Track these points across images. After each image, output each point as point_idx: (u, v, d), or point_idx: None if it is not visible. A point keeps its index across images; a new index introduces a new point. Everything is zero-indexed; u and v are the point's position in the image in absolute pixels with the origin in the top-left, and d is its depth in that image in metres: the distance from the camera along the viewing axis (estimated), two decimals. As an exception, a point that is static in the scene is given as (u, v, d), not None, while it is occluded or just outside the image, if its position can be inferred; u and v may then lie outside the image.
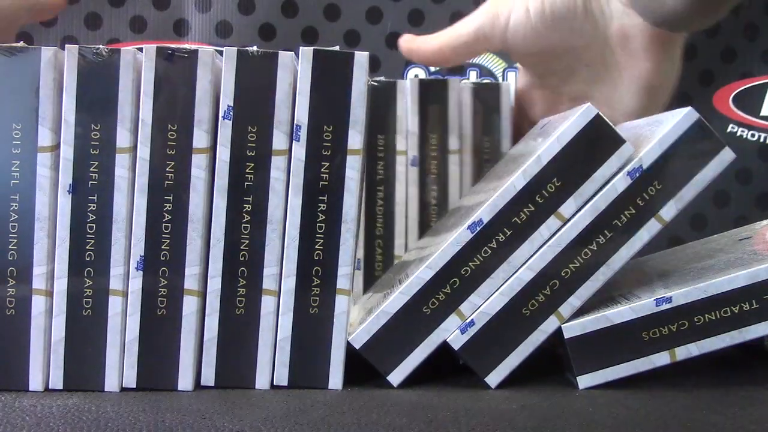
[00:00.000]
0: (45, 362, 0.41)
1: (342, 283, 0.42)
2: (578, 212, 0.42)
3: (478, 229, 0.42)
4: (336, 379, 0.42)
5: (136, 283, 0.41)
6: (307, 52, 0.41)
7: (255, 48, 0.41)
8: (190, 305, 0.41)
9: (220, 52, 0.41)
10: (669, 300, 0.42)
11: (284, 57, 0.41)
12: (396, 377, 0.43)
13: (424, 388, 0.43)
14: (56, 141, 0.40)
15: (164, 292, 0.41)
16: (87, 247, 0.40)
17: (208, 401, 0.39)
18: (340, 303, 0.42)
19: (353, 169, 0.41)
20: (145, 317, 0.41)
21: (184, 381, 0.41)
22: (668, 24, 0.49)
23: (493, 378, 0.43)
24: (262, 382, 0.42)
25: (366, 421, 0.37)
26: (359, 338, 0.42)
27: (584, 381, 0.42)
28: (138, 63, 0.40)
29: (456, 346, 0.42)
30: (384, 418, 0.37)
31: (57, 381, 0.41)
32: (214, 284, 0.41)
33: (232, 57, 0.40)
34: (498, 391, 0.43)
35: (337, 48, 0.41)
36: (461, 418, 0.37)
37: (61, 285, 0.40)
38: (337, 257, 0.42)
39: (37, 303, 0.40)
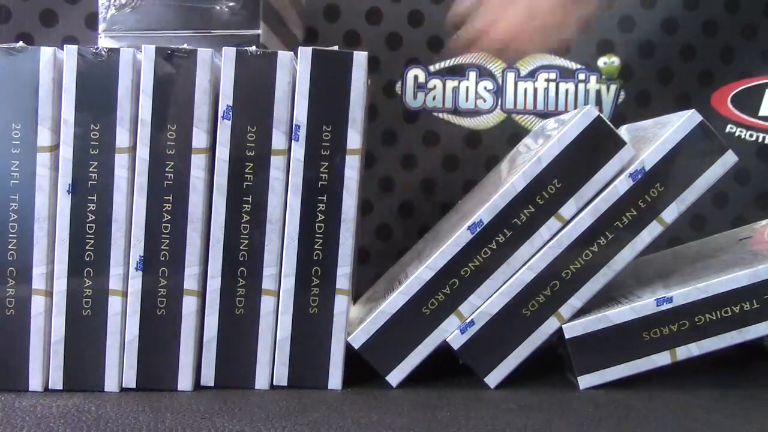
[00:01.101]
0: (45, 362, 0.41)
1: (341, 282, 0.42)
2: (579, 213, 0.42)
3: (478, 229, 0.42)
4: (336, 378, 0.42)
5: (135, 283, 0.41)
6: (306, 51, 0.41)
7: (254, 48, 0.41)
8: (189, 305, 0.41)
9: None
10: (670, 300, 0.42)
11: (283, 57, 0.41)
12: (395, 377, 0.43)
13: (424, 388, 0.43)
14: (56, 141, 0.40)
15: (164, 292, 0.41)
16: (87, 247, 0.40)
17: (208, 401, 0.39)
18: (340, 303, 0.42)
19: (352, 168, 0.41)
20: (145, 317, 0.41)
21: (184, 381, 0.41)
22: None
23: (493, 378, 0.43)
24: (261, 382, 0.42)
25: (366, 421, 0.37)
26: (358, 338, 0.42)
27: (585, 381, 0.42)
28: (137, 63, 0.40)
29: (456, 345, 0.42)
30: (384, 418, 0.37)
31: (57, 381, 0.41)
32: (214, 284, 0.41)
33: (231, 57, 0.40)
34: (498, 391, 0.43)
35: (336, 48, 0.41)
36: (461, 418, 0.37)
37: (60, 285, 0.40)
38: (336, 257, 0.42)
39: (37, 303, 0.40)
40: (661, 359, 0.42)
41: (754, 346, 0.50)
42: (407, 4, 0.66)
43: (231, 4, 0.50)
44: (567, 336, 0.42)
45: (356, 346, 0.42)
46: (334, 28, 0.66)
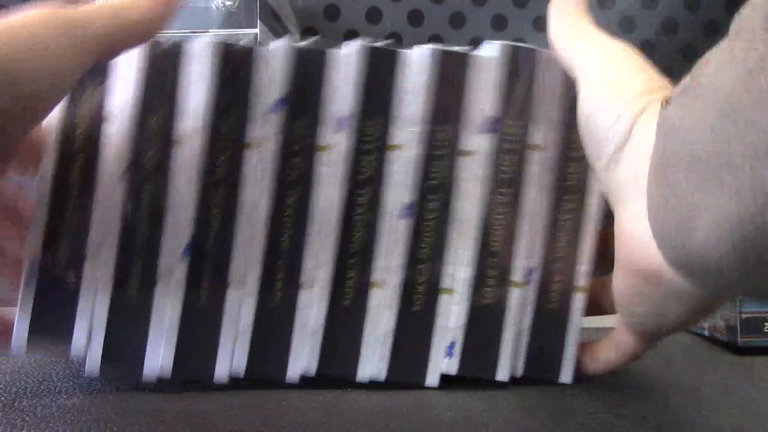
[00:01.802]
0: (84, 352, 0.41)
1: (377, 276, 0.42)
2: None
3: (408, 210, 0.42)
4: (366, 371, 0.42)
5: (179, 271, 0.41)
6: (353, 46, 0.41)
7: (305, 43, 0.41)
8: (231, 297, 0.41)
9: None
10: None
11: (333, 53, 0.41)
12: (430, 379, 0.42)
13: (424, 388, 0.43)
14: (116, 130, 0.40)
15: (208, 284, 0.41)
16: (137, 235, 0.40)
17: (209, 401, 0.39)
18: (375, 296, 0.42)
19: (397, 163, 0.41)
20: (186, 307, 0.41)
21: (220, 373, 0.41)
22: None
23: (502, 373, 0.43)
24: (292, 375, 0.42)
25: (366, 421, 0.37)
26: (378, 374, 0.42)
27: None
28: (197, 55, 0.40)
29: (452, 372, 0.42)
30: (384, 417, 0.37)
31: (94, 369, 0.41)
32: (254, 276, 0.41)
33: (281, 51, 0.40)
34: (498, 391, 0.42)
35: (383, 43, 0.41)
36: (461, 418, 0.37)
37: (106, 272, 0.40)
38: (375, 250, 0.42)
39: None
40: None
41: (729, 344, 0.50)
42: (407, 4, 0.66)
43: (228, 3, 0.50)
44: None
45: (381, 379, 0.42)
46: (334, 27, 0.66)
